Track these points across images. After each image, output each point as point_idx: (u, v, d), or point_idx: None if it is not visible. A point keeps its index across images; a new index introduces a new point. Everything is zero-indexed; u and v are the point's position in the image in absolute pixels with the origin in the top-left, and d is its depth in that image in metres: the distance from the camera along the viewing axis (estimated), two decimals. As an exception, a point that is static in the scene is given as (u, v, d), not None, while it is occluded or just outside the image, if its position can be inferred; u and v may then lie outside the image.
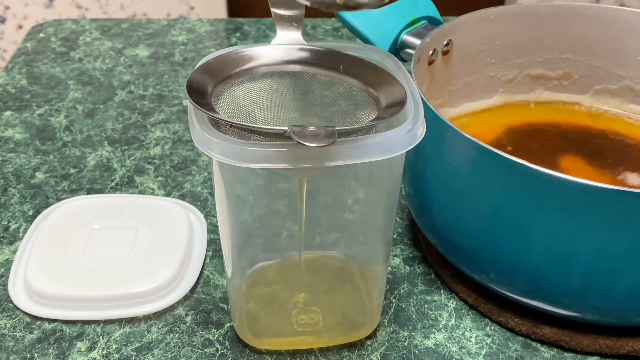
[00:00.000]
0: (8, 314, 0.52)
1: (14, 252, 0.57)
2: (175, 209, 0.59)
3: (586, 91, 0.64)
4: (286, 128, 0.36)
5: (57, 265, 0.53)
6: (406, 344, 0.50)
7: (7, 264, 0.56)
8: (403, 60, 0.58)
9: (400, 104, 0.40)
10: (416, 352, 0.49)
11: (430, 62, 0.57)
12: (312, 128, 0.35)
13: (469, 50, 0.60)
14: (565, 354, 0.49)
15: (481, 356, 0.49)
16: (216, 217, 0.60)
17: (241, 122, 0.41)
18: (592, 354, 0.49)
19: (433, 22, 0.59)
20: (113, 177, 0.65)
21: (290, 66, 0.44)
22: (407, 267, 0.56)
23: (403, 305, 0.53)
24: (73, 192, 0.63)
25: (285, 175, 0.47)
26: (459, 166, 0.48)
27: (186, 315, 0.52)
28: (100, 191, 0.64)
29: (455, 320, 0.52)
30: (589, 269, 0.45)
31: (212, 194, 0.64)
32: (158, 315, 0.52)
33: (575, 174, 0.42)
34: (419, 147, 0.40)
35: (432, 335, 0.50)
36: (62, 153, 0.69)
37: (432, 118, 0.46)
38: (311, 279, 0.53)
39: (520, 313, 0.51)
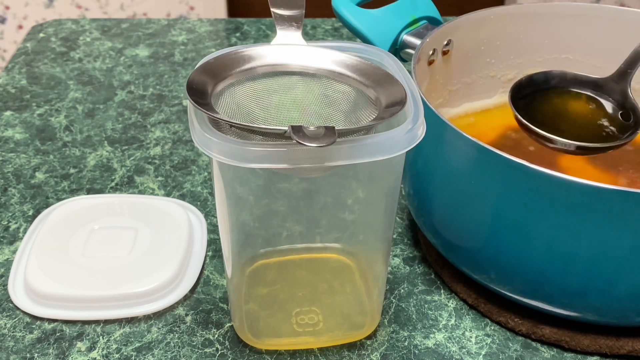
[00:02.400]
0: (8, 314, 0.52)
1: (14, 252, 0.57)
2: (175, 209, 0.59)
3: (586, 91, 0.64)
4: (286, 128, 0.36)
5: (57, 265, 0.53)
6: (406, 344, 0.50)
7: (7, 264, 0.56)
8: (403, 60, 0.58)
9: (400, 104, 0.40)
10: (416, 352, 0.49)
11: (430, 62, 0.57)
12: (312, 128, 0.35)
13: (469, 50, 0.60)
14: (565, 354, 0.49)
15: (481, 356, 0.49)
16: (216, 217, 0.60)
17: (241, 122, 0.41)
18: (592, 354, 0.49)
19: (433, 22, 0.59)
20: (113, 177, 0.65)
21: (290, 66, 0.44)
22: (407, 267, 0.56)
23: (403, 305, 0.53)
24: (73, 192, 0.63)
25: (285, 175, 0.47)
26: (459, 166, 0.48)
27: (186, 315, 0.52)
28: (100, 191, 0.64)
29: (455, 320, 0.52)
30: (589, 269, 0.45)
31: (212, 194, 0.64)
32: (158, 315, 0.52)
33: (576, 174, 0.42)
34: (419, 147, 0.40)
35: (432, 335, 0.50)
36: (62, 153, 0.69)
37: (432, 118, 0.46)
38: (311, 279, 0.53)
39: (520, 313, 0.51)
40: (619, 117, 0.53)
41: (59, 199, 0.62)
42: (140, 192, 0.64)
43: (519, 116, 0.50)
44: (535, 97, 0.54)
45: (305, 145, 0.35)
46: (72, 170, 0.66)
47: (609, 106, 0.54)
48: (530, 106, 0.53)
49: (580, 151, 0.49)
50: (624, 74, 0.53)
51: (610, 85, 0.54)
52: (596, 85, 0.54)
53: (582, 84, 0.55)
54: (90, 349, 0.49)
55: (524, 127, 0.50)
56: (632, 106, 0.52)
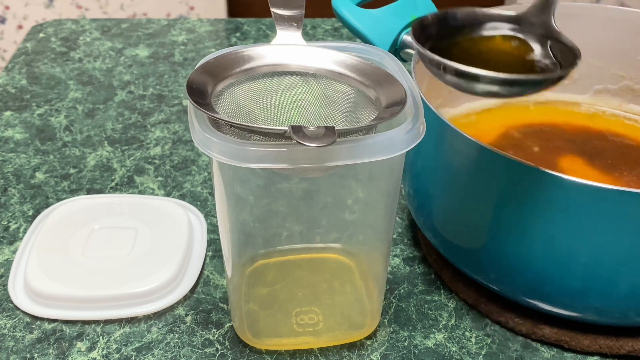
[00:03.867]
0: (8, 314, 0.52)
1: (14, 252, 0.57)
2: (175, 209, 0.59)
3: (586, 91, 0.64)
4: (286, 128, 0.36)
5: (57, 265, 0.53)
6: (406, 344, 0.50)
7: (7, 264, 0.56)
8: (403, 60, 0.58)
9: (400, 104, 0.40)
10: (416, 352, 0.49)
11: (431, 62, 0.57)
12: (312, 128, 0.35)
13: (469, 50, 0.60)
14: (565, 354, 0.49)
15: (481, 356, 0.49)
16: (216, 217, 0.60)
17: (241, 122, 0.41)
18: (592, 354, 0.49)
19: (433, 22, 0.59)
20: (113, 177, 0.65)
21: (290, 66, 0.44)
22: (407, 267, 0.56)
23: (403, 305, 0.53)
24: (73, 192, 0.63)
25: (285, 175, 0.47)
26: (459, 166, 0.48)
27: (186, 315, 0.52)
28: (100, 191, 0.64)
29: (455, 320, 0.52)
30: (589, 269, 0.45)
31: (212, 194, 0.64)
32: (158, 315, 0.52)
33: (575, 174, 0.42)
34: (419, 147, 0.40)
35: (432, 335, 0.50)
36: (62, 153, 0.69)
37: (432, 118, 0.46)
38: (311, 279, 0.53)
39: (520, 313, 0.51)
40: (547, 50, 0.44)
41: (59, 199, 0.62)
42: (140, 192, 0.64)
43: (427, 52, 0.39)
44: (444, 39, 0.44)
45: (305, 145, 0.35)
46: (72, 170, 0.66)
47: (531, 42, 0.45)
48: (439, 49, 0.42)
49: (506, 90, 0.38)
50: (545, 4, 0.45)
51: (531, 19, 0.45)
52: (514, 21, 0.45)
53: (498, 20, 0.46)
54: (90, 349, 0.49)
55: (434, 64, 0.39)
56: (558, 38, 0.44)
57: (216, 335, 0.50)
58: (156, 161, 0.68)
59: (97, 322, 0.51)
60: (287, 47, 0.44)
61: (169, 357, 0.49)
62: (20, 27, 2.12)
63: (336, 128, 0.36)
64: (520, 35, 0.45)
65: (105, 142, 0.70)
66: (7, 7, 2.08)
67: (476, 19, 0.46)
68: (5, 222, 0.60)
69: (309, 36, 0.92)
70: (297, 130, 0.35)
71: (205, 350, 0.49)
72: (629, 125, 0.62)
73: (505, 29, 0.46)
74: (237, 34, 0.93)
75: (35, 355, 0.49)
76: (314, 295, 0.52)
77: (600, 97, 0.64)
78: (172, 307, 0.52)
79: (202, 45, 0.89)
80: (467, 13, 0.45)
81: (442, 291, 0.54)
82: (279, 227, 0.52)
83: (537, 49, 0.44)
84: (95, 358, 0.49)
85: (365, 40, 0.57)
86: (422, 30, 0.43)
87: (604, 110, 0.63)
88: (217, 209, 0.46)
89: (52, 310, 0.51)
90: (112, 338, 0.50)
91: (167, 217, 0.58)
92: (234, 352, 0.49)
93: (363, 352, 0.49)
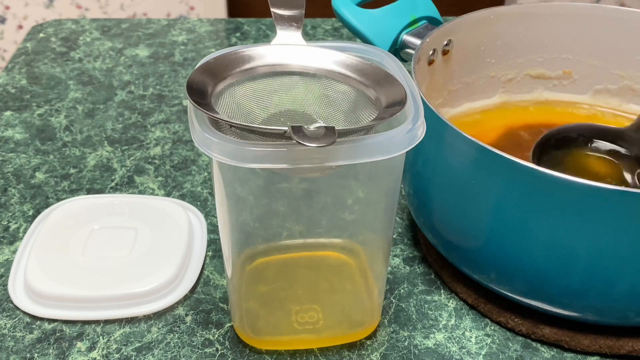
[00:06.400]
0: (8, 314, 0.52)
1: (14, 252, 0.57)
2: (175, 209, 0.59)
3: (586, 91, 0.64)
4: (286, 128, 0.36)
5: (57, 265, 0.53)
6: (406, 344, 0.50)
7: (7, 264, 0.56)
8: (403, 60, 0.58)
9: (400, 104, 0.40)
10: (416, 352, 0.49)
11: (430, 62, 0.57)
12: (312, 128, 0.35)
13: (469, 50, 0.60)
14: (565, 354, 0.49)
15: (481, 356, 0.49)
16: (216, 217, 0.60)
17: (241, 122, 0.41)
18: (592, 354, 0.49)
19: (433, 22, 0.59)
20: (113, 177, 0.65)
21: (290, 66, 0.44)
22: (407, 267, 0.56)
23: (403, 305, 0.53)
24: (73, 192, 0.63)
25: (285, 175, 0.47)
26: (459, 166, 0.48)
27: (186, 315, 0.52)
28: (100, 191, 0.64)
29: (455, 320, 0.52)
30: (589, 269, 0.45)
31: (212, 194, 0.64)
32: (158, 315, 0.52)
33: (575, 174, 0.42)
34: (419, 147, 0.40)
35: (432, 335, 0.50)
36: (62, 153, 0.69)
37: (432, 118, 0.46)
38: (311, 277, 0.53)
39: (520, 313, 0.51)
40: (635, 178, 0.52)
41: (59, 199, 0.62)
42: (140, 192, 0.64)
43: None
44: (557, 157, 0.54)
45: (305, 145, 0.35)
46: (72, 170, 0.66)
47: (629, 161, 0.53)
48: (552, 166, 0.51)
49: None
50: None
51: (629, 135, 0.53)
52: (615, 135, 0.54)
53: (603, 135, 0.54)
54: (90, 349, 0.49)
55: None
56: None
57: (216, 335, 0.50)
58: (156, 161, 0.68)
59: (97, 322, 0.51)
60: (287, 47, 0.44)
61: (169, 357, 0.49)
62: (20, 27, 2.12)
63: (336, 128, 0.36)
64: (614, 159, 0.54)
65: (105, 142, 0.70)
66: (7, 7, 2.08)
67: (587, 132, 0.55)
68: (5, 222, 0.60)
69: (309, 36, 0.92)
70: (297, 130, 0.35)
71: (205, 350, 0.49)
72: (629, 125, 0.62)
73: (604, 150, 0.55)
74: (237, 34, 0.93)
75: (35, 355, 0.49)
76: (314, 293, 0.52)
77: (600, 97, 0.64)
78: (172, 307, 0.52)
79: (202, 45, 0.89)
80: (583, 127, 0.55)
81: (442, 291, 0.54)
82: (279, 227, 0.52)
83: (631, 168, 0.53)
84: (95, 358, 0.49)
85: (365, 40, 0.57)
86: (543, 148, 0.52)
87: (604, 110, 0.63)
88: (217, 209, 0.46)
89: (52, 310, 0.51)
90: (112, 338, 0.50)
91: (167, 217, 0.58)
92: (234, 352, 0.49)
93: (363, 352, 0.49)
